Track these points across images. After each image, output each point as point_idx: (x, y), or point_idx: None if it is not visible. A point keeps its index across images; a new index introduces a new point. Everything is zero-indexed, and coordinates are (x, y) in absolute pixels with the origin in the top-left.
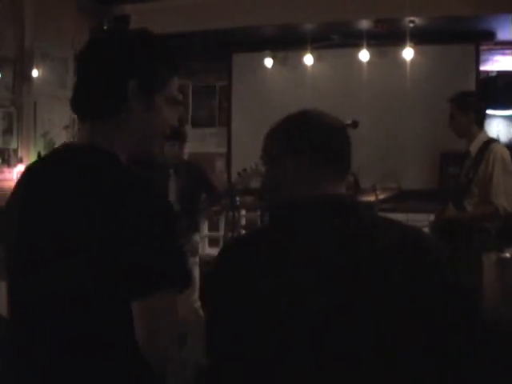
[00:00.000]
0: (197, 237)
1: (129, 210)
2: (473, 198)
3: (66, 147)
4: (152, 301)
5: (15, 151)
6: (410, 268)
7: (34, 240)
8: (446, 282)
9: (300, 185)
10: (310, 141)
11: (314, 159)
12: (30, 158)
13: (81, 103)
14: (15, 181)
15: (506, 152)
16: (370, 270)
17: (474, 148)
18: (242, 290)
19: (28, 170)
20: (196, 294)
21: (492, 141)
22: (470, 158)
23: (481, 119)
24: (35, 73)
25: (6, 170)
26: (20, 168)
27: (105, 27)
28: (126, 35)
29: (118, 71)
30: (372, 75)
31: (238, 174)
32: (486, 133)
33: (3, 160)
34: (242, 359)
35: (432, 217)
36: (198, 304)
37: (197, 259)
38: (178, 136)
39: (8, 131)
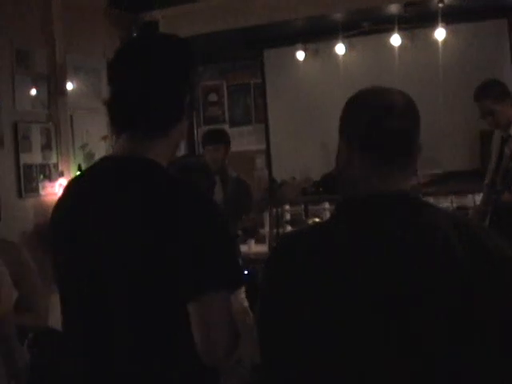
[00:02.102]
0: (237, 240)
1: (183, 214)
2: None
3: (108, 159)
4: (206, 301)
5: (55, 166)
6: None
7: (92, 249)
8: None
9: (354, 178)
10: (359, 129)
11: (364, 151)
12: (70, 171)
13: (130, 115)
14: (57, 195)
15: None
16: (433, 269)
17: None
18: (299, 282)
19: (72, 184)
20: (243, 294)
21: None
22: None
23: (510, 98)
24: (69, 86)
25: (47, 184)
26: (61, 182)
27: (134, 34)
28: (176, 47)
29: (176, 86)
30: (405, 59)
31: (280, 185)
32: None
33: (44, 175)
34: (297, 349)
35: (477, 197)
36: (246, 303)
37: (240, 260)
38: (223, 140)
39: (47, 146)
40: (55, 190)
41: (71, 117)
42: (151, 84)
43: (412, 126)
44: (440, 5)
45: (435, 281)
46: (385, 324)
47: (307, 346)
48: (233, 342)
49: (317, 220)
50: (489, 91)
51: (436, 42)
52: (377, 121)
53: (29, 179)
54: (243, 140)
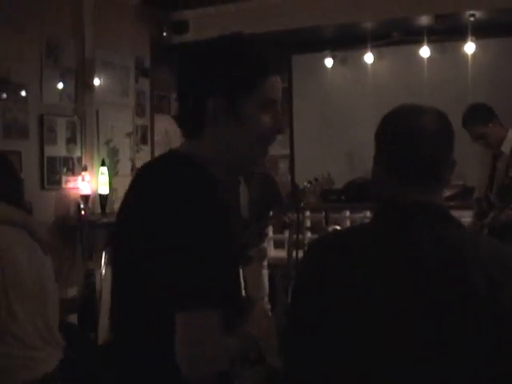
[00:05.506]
0: (264, 243)
1: (173, 217)
2: None
3: (165, 155)
4: (187, 316)
5: (79, 159)
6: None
7: (121, 238)
8: None
9: (382, 189)
10: (388, 146)
11: (390, 166)
12: (93, 165)
13: (177, 119)
14: (79, 189)
15: None
16: (461, 279)
17: (506, 148)
18: (332, 279)
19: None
20: (266, 298)
21: None
22: (504, 157)
23: (497, 118)
24: (97, 81)
25: (70, 178)
26: (85, 176)
27: (164, 34)
28: (199, 48)
29: (194, 89)
30: (433, 71)
31: (310, 182)
32: (508, 129)
33: (68, 169)
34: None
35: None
36: (268, 307)
37: (265, 263)
38: None
39: (72, 140)
40: (77, 183)
41: (97, 112)
42: (186, 88)
43: (442, 150)
44: (471, 18)
45: (451, 299)
46: (403, 336)
47: (332, 350)
48: (206, 364)
49: (337, 228)
50: (476, 117)
51: (465, 55)
52: (405, 145)
53: (52, 171)
54: None
